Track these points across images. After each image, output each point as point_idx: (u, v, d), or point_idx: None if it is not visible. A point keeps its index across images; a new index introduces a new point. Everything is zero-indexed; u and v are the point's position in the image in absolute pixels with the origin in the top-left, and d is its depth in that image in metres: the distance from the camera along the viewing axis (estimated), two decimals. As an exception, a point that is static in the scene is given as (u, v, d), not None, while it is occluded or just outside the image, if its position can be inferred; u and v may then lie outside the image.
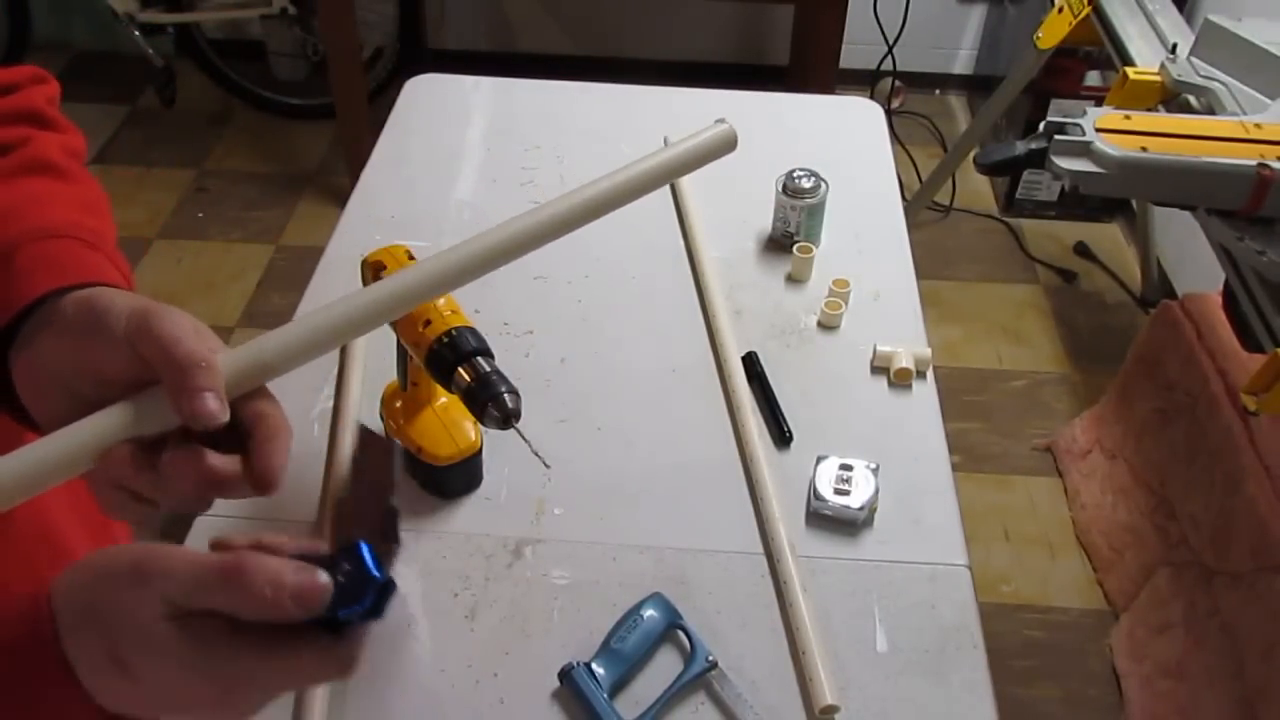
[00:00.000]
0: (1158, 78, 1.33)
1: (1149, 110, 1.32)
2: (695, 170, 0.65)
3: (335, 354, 1.00)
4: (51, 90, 0.67)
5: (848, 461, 0.88)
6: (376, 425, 0.91)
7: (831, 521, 0.86)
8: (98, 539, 0.72)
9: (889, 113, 1.72)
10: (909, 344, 1.00)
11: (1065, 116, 1.08)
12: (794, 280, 1.10)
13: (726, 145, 0.66)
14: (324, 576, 0.43)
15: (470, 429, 0.85)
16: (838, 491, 0.86)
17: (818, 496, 0.86)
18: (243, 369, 0.50)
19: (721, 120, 0.65)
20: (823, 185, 1.10)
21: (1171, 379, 1.74)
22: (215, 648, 0.42)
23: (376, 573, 0.44)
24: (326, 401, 0.95)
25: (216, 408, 0.47)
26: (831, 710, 0.73)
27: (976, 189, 2.75)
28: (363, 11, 2.46)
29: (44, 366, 0.52)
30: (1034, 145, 1.08)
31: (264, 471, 0.49)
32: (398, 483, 0.89)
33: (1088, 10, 1.79)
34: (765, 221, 1.15)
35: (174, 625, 0.42)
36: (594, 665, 0.74)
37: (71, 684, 0.43)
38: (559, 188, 1.27)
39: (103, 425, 0.48)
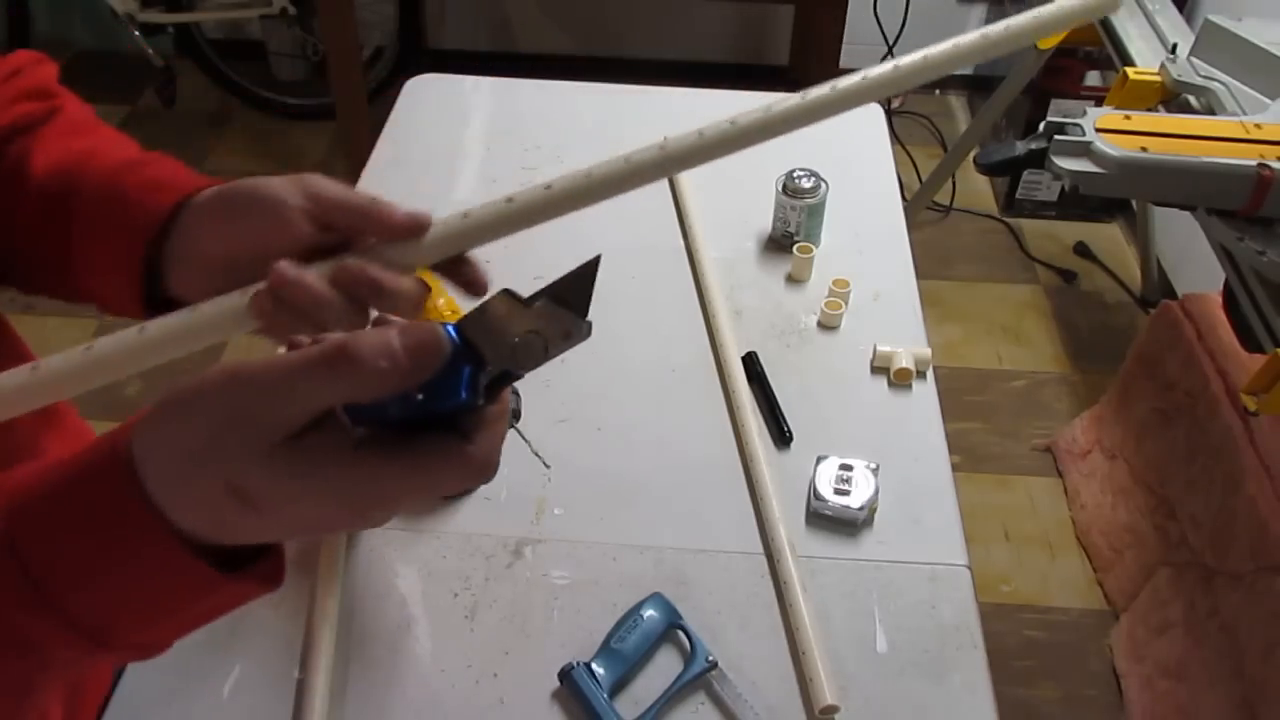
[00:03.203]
0: (1158, 78, 1.33)
1: (1149, 110, 1.32)
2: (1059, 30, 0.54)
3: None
4: (54, 69, 0.68)
5: (848, 461, 0.88)
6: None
7: (831, 521, 0.86)
8: None
9: (889, 113, 1.72)
10: (909, 344, 1.00)
11: (1065, 116, 1.08)
12: (794, 280, 1.10)
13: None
14: (436, 327, 0.39)
15: (470, 429, 0.85)
16: (838, 491, 0.86)
17: (818, 496, 0.86)
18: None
19: None
20: (823, 185, 1.10)
21: (1171, 379, 1.74)
22: (338, 466, 0.39)
23: (463, 346, 0.40)
24: (326, 401, 0.95)
25: (419, 219, 0.49)
26: (831, 710, 0.73)
27: (976, 189, 2.75)
28: (363, 11, 2.47)
29: (205, 256, 0.53)
30: (1034, 145, 1.07)
31: (474, 271, 0.52)
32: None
33: (1088, 10, 1.79)
34: (765, 221, 1.15)
35: (291, 449, 0.39)
36: (594, 665, 0.74)
37: (162, 534, 0.40)
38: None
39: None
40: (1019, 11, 0.53)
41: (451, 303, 0.74)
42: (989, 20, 3.16)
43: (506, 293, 0.41)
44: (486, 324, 0.40)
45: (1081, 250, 2.58)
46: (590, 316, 0.41)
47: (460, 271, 0.52)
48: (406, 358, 0.39)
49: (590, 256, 0.41)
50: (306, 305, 0.47)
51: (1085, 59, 2.37)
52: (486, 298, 0.41)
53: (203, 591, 0.42)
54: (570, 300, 0.41)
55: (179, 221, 0.55)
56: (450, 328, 0.40)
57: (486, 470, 0.42)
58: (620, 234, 1.14)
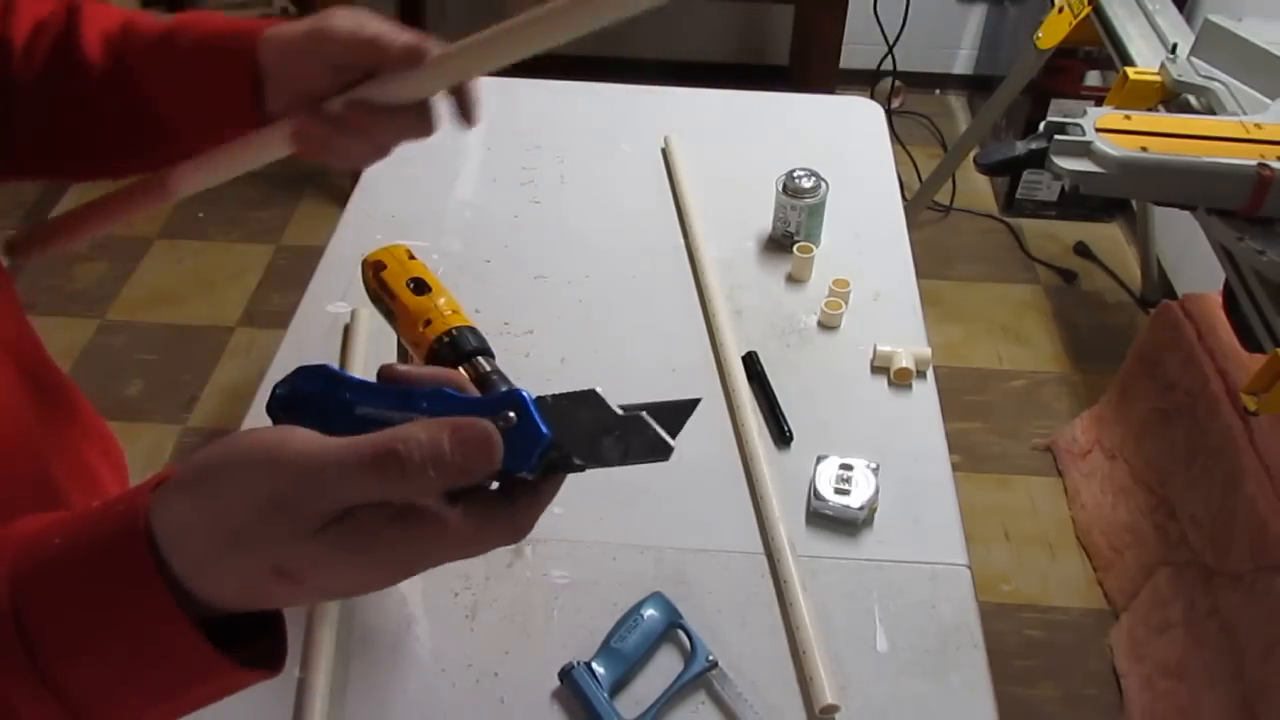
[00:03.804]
0: (1158, 78, 1.33)
1: (1149, 110, 1.32)
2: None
3: (335, 352, 1.00)
4: None
5: (848, 461, 0.88)
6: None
7: (831, 521, 0.86)
8: None
9: (889, 113, 1.72)
10: (909, 344, 1.00)
11: (1065, 116, 1.08)
12: (794, 280, 1.10)
13: None
14: (487, 427, 0.40)
15: (470, 429, 0.85)
16: (838, 491, 0.86)
17: (818, 496, 0.86)
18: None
19: None
20: (823, 185, 1.10)
21: (1171, 379, 1.74)
22: (389, 543, 0.39)
23: (543, 428, 0.41)
24: (327, 401, 0.95)
25: (414, 49, 0.57)
26: (831, 710, 0.73)
27: (976, 189, 2.75)
28: (363, 11, 2.46)
29: (293, 88, 0.60)
30: (1034, 145, 1.08)
31: (469, 97, 0.60)
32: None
33: (1088, 10, 1.79)
34: (765, 221, 1.15)
35: (340, 527, 0.38)
36: (594, 665, 0.74)
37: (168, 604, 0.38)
38: (559, 187, 1.28)
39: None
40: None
41: (452, 301, 0.74)
42: (988, 20, 3.15)
43: (599, 393, 0.43)
44: (576, 413, 0.43)
45: (1081, 250, 2.58)
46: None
47: (459, 99, 0.61)
48: (455, 464, 0.39)
49: (693, 397, 0.44)
50: (322, 139, 0.59)
51: (1085, 59, 2.37)
52: (582, 389, 0.43)
53: (206, 677, 0.41)
54: (663, 422, 0.43)
55: (263, 62, 0.60)
56: (531, 404, 0.42)
57: (522, 537, 0.44)
58: (620, 234, 1.15)
